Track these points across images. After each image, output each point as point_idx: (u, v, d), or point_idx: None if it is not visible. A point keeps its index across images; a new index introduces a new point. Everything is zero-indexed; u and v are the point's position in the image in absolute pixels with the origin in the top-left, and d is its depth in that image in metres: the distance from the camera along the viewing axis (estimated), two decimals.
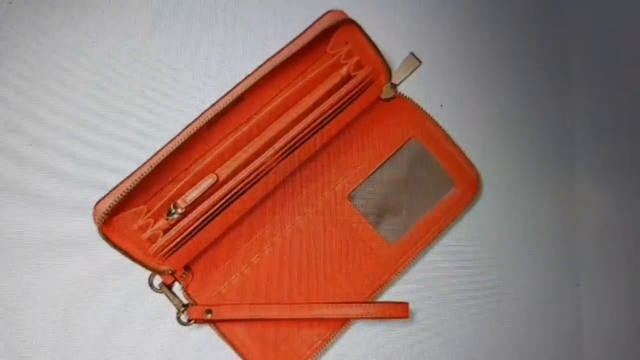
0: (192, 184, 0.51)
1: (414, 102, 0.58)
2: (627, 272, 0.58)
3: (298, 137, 0.53)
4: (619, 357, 0.57)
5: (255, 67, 0.52)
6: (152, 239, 0.51)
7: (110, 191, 0.50)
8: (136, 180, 0.48)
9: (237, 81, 0.52)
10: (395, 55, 0.59)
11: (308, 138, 0.55)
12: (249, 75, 0.52)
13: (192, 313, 0.52)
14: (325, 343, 0.54)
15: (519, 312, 0.57)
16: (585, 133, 0.60)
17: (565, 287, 0.58)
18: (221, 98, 0.52)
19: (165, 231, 0.51)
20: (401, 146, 0.58)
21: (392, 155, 0.57)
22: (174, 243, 0.51)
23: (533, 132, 0.60)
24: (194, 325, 0.53)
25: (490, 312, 0.57)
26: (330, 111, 0.54)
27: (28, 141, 0.57)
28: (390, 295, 0.56)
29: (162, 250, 0.51)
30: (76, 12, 0.59)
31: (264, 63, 0.53)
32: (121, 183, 0.50)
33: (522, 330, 0.57)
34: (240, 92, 0.51)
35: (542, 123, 0.60)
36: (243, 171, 0.52)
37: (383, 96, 0.58)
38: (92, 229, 0.48)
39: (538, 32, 0.62)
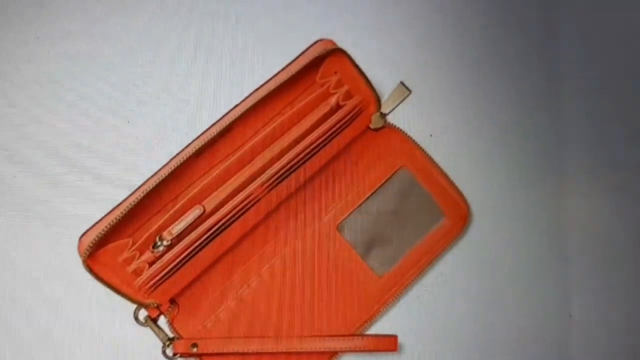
0: (178, 216, 0.50)
1: (403, 132, 0.58)
2: (621, 302, 0.58)
3: (286, 168, 0.53)
4: None
5: (243, 97, 0.52)
6: (137, 272, 0.50)
7: (95, 223, 0.49)
8: (122, 212, 0.48)
9: (225, 111, 0.52)
10: (384, 84, 0.59)
11: (296, 168, 0.54)
12: (237, 105, 0.52)
13: (178, 347, 0.52)
14: None
15: (509, 344, 0.56)
16: (578, 162, 0.60)
17: (558, 317, 0.57)
18: (209, 128, 0.51)
19: (151, 264, 0.50)
20: (391, 176, 0.57)
21: (381, 186, 0.57)
22: (159, 276, 0.51)
23: (523, 162, 0.59)
24: (180, 359, 0.53)
25: (480, 344, 0.56)
26: (319, 141, 0.54)
27: (12, 173, 0.56)
28: (379, 327, 0.55)
29: (147, 284, 0.51)
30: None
31: (253, 92, 0.52)
32: (106, 215, 0.49)
33: None
34: (228, 122, 0.50)
35: (532, 153, 0.60)
36: (230, 202, 0.52)
37: (372, 126, 0.57)
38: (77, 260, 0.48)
39: (527, 62, 0.62)
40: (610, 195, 0.59)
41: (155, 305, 0.52)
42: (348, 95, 0.55)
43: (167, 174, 0.49)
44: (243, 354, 0.52)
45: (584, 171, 0.60)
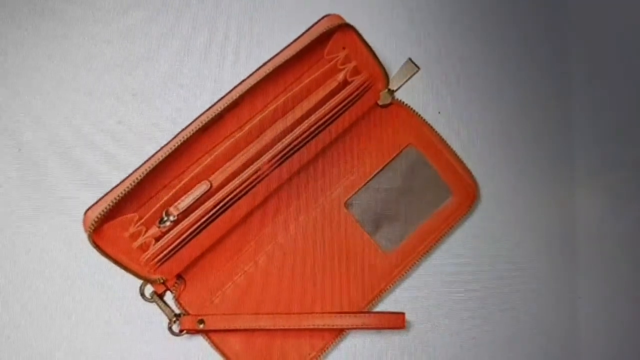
0: (185, 191, 0.50)
1: (411, 109, 0.57)
2: (627, 281, 0.58)
3: (294, 144, 0.53)
4: None
5: (250, 72, 0.51)
6: (143, 247, 0.50)
7: (101, 198, 0.49)
8: (128, 187, 0.47)
9: (233, 85, 0.51)
10: (393, 61, 0.58)
11: (304, 144, 0.54)
12: (244, 80, 0.51)
13: (184, 323, 0.51)
14: (320, 354, 0.53)
15: (516, 323, 0.56)
16: (585, 141, 0.60)
17: (564, 299, 0.57)
18: (216, 102, 0.51)
19: (157, 239, 0.50)
20: (398, 153, 0.57)
21: (389, 163, 0.56)
22: (166, 251, 0.50)
23: (531, 140, 0.59)
24: (186, 335, 0.52)
25: (486, 323, 0.56)
26: (327, 117, 0.53)
27: (17, 146, 0.56)
28: (386, 304, 0.55)
29: (153, 259, 0.50)
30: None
31: (260, 67, 0.52)
32: (112, 189, 0.49)
33: (519, 342, 0.56)
34: (235, 97, 0.50)
35: (540, 130, 0.59)
36: (237, 178, 0.51)
37: (380, 102, 0.57)
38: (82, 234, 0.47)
39: (538, 38, 0.61)
40: (620, 180, 0.59)
41: (162, 280, 0.52)
42: (356, 71, 0.55)
43: (173, 149, 0.48)
44: (250, 330, 0.52)
45: (595, 149, 0.59)
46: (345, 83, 0.54)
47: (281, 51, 0.53)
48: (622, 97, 0.61)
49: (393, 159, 0.57)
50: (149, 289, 0.53)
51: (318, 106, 0.53)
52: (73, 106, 0.57)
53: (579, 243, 0.58)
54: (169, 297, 0.53)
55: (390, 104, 0.57)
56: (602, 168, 0.59)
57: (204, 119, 0.49)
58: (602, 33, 0.62)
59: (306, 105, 0.53)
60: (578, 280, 0.57)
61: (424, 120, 0.57)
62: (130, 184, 0.47)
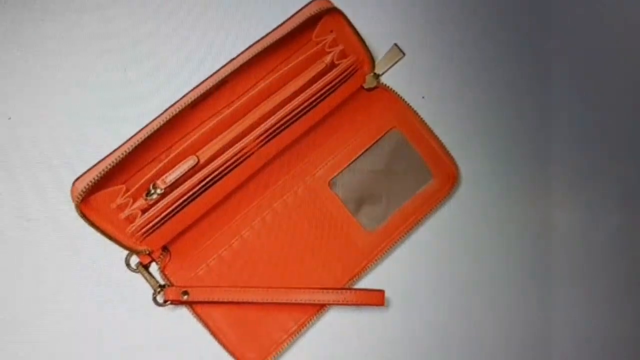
0: (172, 165, 0.51)
1: (396, 93, 0.59)
2: (597, 269, 0.59)
3: (280, 123, 0.54)
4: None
5: (239, 51, 0.52)
6: (130, 219, 0.51)
7: (90, 169, 0.49)
8: (116, 158, 0.48)
9: (221, 65, 0.52)
10: (379, 46, 0.60)
11: (290, 124, 0.55)
12: (233, 59, 0.52)
13: (169, 294, 0.52)
14: (301, 328, 0.54)
15: (491, 303, 0.58)
16: (564, 132, 0.61)
17: (537, 280, 0.59)
18: (205, 80, 0.51)
19: (144, 211, 0.51)
20: (382, 136, 0.58)
21: (373, 145, 0.58)
22: (152, 223, 0.51)
23: (513, 128, 0.61)
24: (170, 306, 0.53)
25: (464, 302, 0.57)
26: (313, 98, 0.55)
27: (7, 115, 0.56)
28: (366, 282, 0.56)
29: (140, 230, 0.51)
30: None
31: (249, 47, 0.53)
32: (101, 161, 0.50)
33: (493, 321, 0.57)
34: (224, 75, 0.51)
35: (522, 119, 0.61)
36: (224, 154, 0.52)
37: (366, 86, 0.58)
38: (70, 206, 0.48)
39: (522, 30, 0.63)
40: (597, 167, 0.61)
41: (147, 252, 0.52)
42: (343, 55, 0.56)
43: (162, 123, 0.49)
44: (232, 303, 0.53)
45: (573, 142, 0.61)
46: (332, 66, 0.55)
47: (270, 33, 0.54)
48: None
49: (377, 141, 0.58)
50: (134, 260, 0.54)
51: (305, 87, 0.54)
52: (63, 74, 0.58)
53: (554, 231, 0.59)
54: (154, 268, 0.54)
55: (376, 87, 0.58)
56: (581, 163, 0.61)
57: (193, 95, 0.50)
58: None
59: (293, 86, 0.54)
60: (553, 261, 0.59)
61: (408, 104, 0.59)
62: (119, 156, 0.48)
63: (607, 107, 0.62)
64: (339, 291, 0.53)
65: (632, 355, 0.58)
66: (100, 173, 0.47)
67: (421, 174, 0.58)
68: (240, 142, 0.53)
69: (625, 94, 0.62)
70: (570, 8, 0.63)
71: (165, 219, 0.52)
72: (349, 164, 0.57)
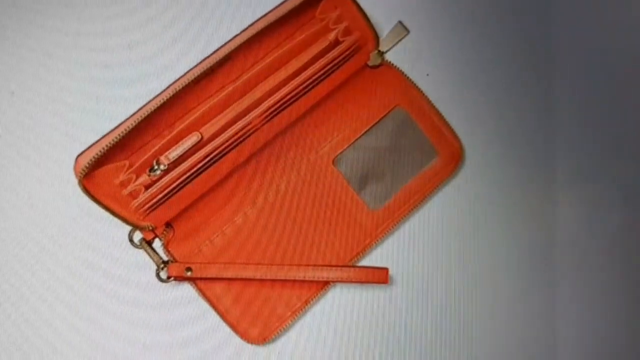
0: (176, 141, 0.51)
1: (400, 71, 0.58)
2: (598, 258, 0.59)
3: (284, 100, 0.53)
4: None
5: (243, 27, 0.52)
6: (133, 195, 0.51)
7: (93, 144, 0.49)
8: (120, 134, 0.48)
9: (225, 41, 0.52)
10: (383, 23, 0.59)
11: (294, 101, 0.54)
12: (237, 35, 0.52)
13: (172, 270, 0.52)
14: (305, 305, 0.54)
15: (494, 281, 0.57)
16: (569, 109, 0.61)
17: (541, 258, 0.58)
18: (209, 56, 0.51)
19: (147, 187, 0.51)
20: (386, 114, 0.58)
21: (377, 122, 0.58)
22: (155, 199, 0.51)
23: (518, 105, 0.60)
24: (174, 282, 0.53)
25: (467, 281, 0.57)
26: (317, 75, 0.54)
27: (10, 90, 0.56)
28: (370, 260, 0.56)
29: (143, 206, 0.51)
30: None
31: (253, 24, 0.52)
32: (104, 136, 0.49)
33: (497, 298, 0.57)
34: (228, 51, 0.50)
35: (526, 97, 0.60)
36: (228, 131, 0.52)
37: (370, 63, 0.58)
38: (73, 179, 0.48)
39: (529, 7, 0.62)
40: (601, 151, 0.61)
41: (151, 228, 0.52)
42: (347, 32, 0.55)
43: (165, 99, 0.49)
44: (236, 279, 0.53)
45: (578, 124, 0.61)
46: (336, 43, 0.55)
47: (274, 9, 0.53)
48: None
49: (381, 119, 0.58)
50: (137, 236, 0.53)
51: (309, 64, 0.54)
52: (64, 52, 0.58)
53: (561, 209, 0.59)
54: (157, 244, 0.54)
55: (380, 65, 0.58)
56: (585, 142, 0.61)
57: (197, 71, 0.50)
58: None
59: (297, 62, 0.54)
60: (557, 238, 0.59)
61: (413, 82, 0.58)
62: (122, 132, 0.48)
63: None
64: (343, 268, 0.53)
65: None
66: (103, 149, 0.48)
67: (425, 152, 0.58)
68: (244, 119, 0.52)
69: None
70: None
71: (169, 195, 0.51)
72: (353, 142, 0.57)
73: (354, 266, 0.55)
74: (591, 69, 0.61)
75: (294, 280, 0.53)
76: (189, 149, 0.51)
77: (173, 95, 0.49)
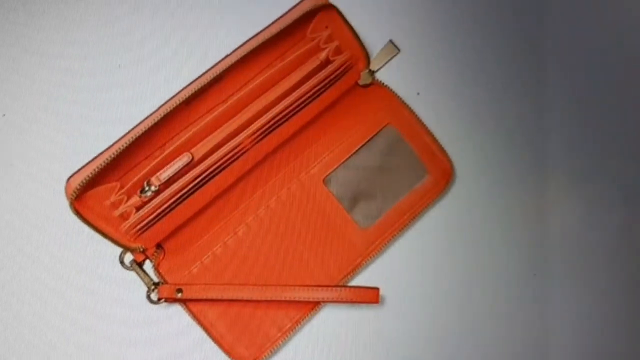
0: (167, 162, 0.51)
1: (391, 89, 0.59)
2: (594, 266, 0.59)
3: (275, 119, 0.54)
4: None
5: (234, 48, 0.52)
6: (124, 216, 0.51)
7: (84, 166, 0.49)
8: (110, 156, 0.48)
9: (216, 60, 0.52)
10: (374, 42, 0.59)
11: (285, 120, 0.55)
12: (228, 55, 0.52)
13: (163, 292, 0.52)
14: (296, 325, 0.54)
15: (486, 300, 0.58)
16: (561, 129, 0.61)
17: (531, 278, 0.59)
18: (200, 76, 0.52)
19: (138, 208, 0.51)
20: (377, 132, 0.58)
21: (368, 141, 0.58)
22: (146, 221, 0.51)
23: (508, 124, 0.61)
24: (164, 304, 0.53)
25: (459, 300, 0.57)
26: (308, 94, 0.54)
27: (1, 112, 0.56)
28: (361, 279, 0.56)
29: (134, 228, 0.51)
30: None
31: (244, 43, 0.53)
32: (95, 158, 0.50)
33: (489, 318, 0.57)
34: (219, 72, 0.51)
35: (517, 116, 0.61)
36: (219, 151, 0.52)
37: (361, 82, 0.58)
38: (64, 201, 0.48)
39: (517, 26, 0.62)
40: (591, 165, 0.61)
41: (141, 249, 0.52)
42: (338, 51, 0.56)
43: (156, 120, 0.49)
44: (227, 300, 0.53)
45: (568, 139, 0.61)
46: (327, 62, 0.55)
47: (265, 29, 0.54)
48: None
49: (372, 137, 0.58)
50: (128, 257, 0.53)
51: (300, 84, 0.54)
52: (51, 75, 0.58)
53: (552, 227, 0.60)
54: (148, 265, 0.54)
55: (371, 84, 0.58)
56: (577, 158, 0.61)
57: (188, 92, 0.50)
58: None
59: (288, 82, 0.54)
60: (550, 257, 0.59)
61: (403, 100, 0.58)
62: (113, 153, 0.48)
63: (604, 103, 0.62)
64: (334, 288, 0.53)
65: (632, 354, 0.58)
66: (94, 170, 0.47)
67: (416, 171, 0.58)
68: (235, 139, 0.52)
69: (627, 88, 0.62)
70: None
71: (160, 216, 0.51)
72: (344, 161, 0.57)
73: (344, 286, 0.55)
74: (582, 93, 0.62)
75: (285, 301, 0.53)
76: (180, 169, 0.51)
77: (164, 116, 0.49)
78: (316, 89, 0.55)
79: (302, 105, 0.55)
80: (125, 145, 0.48)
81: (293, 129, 0.55)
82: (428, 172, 0.58)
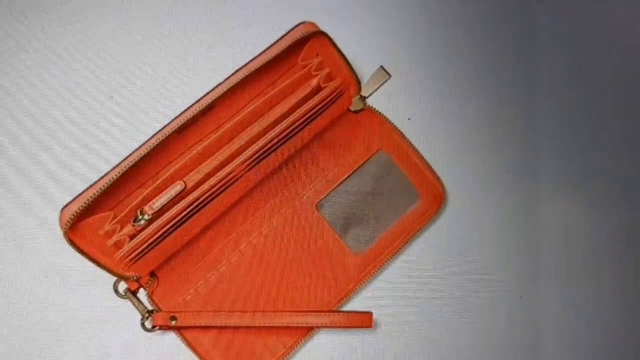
0: (159, 191, 0.51)
1: (382, 115, 0.59)
2: (589, 289, 0.59)
3: (267, 147, 0.54)
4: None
5: (226, 76, 0.53)
6: (118, 245, 0.51)
7: (77, 196, 0.50)
8: (104, 186, 0.48)
9: (208, 89, 0.53)
10: (365, 68, 0.60)
11: (277, 147, 0.55)
12: (220, 84, 0.53)
13: (157, 319, 0.52)
14: (289, 351, 0.54)
15: (480, 324, 0.58)
16: (550, 150, 0.61)
17: (528, 297, 0.59)
18: (192, 105, 0.52)
19: (132, 237, 0.51)
20: (369, 158, 0.58)
21: (360, 167, 0.58)
22: (140, 249, 0.51)
23: (499, 147, 0.61)
24: (159, 331, 0.53)
25: (452, 324, 0.57)
26: (300, 121, 0.55)
27: None
28: (354, 304, 0.57)
29: (128, 257, 0.51)
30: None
31: (235, 72, 0.53)
32: (88, 188, 0.50)
33: (483, 342, 0.57)
34: (211, 100, 0.51)
35: (508, 139, 0.61)
36: (211, 179, 0.52)
37: (352, 108, 0.59)
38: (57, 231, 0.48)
39: (505, 50, 0.63)
40: (584, 184, 0.61)
41: (135, 278, 0.53)
42: (329, 78, 0.56)
43: (149, 149, 0.49)
44: (221, 327, 0.53)
45: (559, 158, 0.61)
46: (318, 89, 0.56)
47: (256, 56, 0.54)
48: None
49: (364, 163, 0.58)
50: (122, 286, 0.54)
51: (292, 110, 0.55)
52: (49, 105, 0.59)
53: (544, 249, 0.60)
54: (142, 293, 0.54)
55: (362, 109, 0.59)
56: (568, 180, 0.61)
57: (180, 121, 0.50)
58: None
59: (280, 109, 0.54)
60: (541, 284, 0.59)
61: (394, 126, 0.59)
62: (106, 183, 0.48)
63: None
64: (327, 314, 0.54)
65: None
66: (87, 200, 0.48)
67: (408, 195, 0.58)
68: (227, 166, 0.53)
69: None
70: (556, 23, 0.64)
71: (153, 244, 0.52)
72: (336, 186, 0.58)
73: (337, 311, 0.55)
74: (575, 117, 0.62)
75: (279, 327, 0.54)
76: (173, 197, 0.51)
77: (156, 145, 0.49)
78: (308, 115, 0.55)
79: (295, 132, 0.55)
80: (118, 174, 0.48)
81: (285, 155, 0.56)
82: (420, 196, 0.58)
